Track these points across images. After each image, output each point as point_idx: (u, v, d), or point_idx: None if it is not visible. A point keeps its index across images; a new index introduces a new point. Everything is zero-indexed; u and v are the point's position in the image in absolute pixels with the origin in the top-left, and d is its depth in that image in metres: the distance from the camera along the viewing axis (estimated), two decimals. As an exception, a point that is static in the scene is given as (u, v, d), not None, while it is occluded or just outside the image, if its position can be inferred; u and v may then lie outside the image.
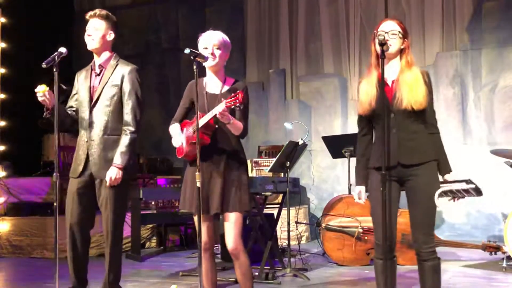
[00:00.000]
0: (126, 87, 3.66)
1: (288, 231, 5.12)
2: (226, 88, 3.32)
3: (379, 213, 2.86)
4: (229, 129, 3.22)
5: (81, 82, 3.76)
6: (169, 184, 7.42)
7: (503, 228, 4.79)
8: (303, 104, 8.08)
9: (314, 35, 8.14)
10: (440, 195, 2.93)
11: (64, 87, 3.70)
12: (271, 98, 8.26)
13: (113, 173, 3.54)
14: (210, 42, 3.27)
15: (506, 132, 6.90)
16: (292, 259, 5.04)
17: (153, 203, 6.91)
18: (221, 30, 3.37)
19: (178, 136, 3.33)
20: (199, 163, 3.06)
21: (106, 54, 3.72)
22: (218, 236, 5.07)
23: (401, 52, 3.05)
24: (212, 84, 3.36)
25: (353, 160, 6.13)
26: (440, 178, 3.01)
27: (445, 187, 2.93)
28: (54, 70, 3.38)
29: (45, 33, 8.05)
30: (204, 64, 3.25)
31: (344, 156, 6.21)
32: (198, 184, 3.07)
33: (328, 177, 7.80)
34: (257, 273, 4.64)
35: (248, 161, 5.61)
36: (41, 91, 3.47)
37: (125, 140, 3.61)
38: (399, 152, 2.97)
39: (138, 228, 6.18)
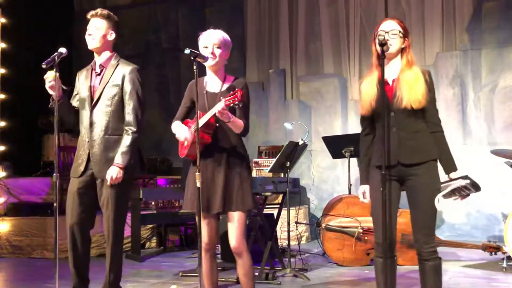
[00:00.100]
0: (127, 87, 3.66)
1: (288, 231, 5.12)
2: (225, 86, 3.32)
3: (379, 212, 2.87)
4: (230, 128, 3.22)
5: (82, 81, 3.76)
6: (169, 184, 7.42)
7: (503, 228, 4.79)
8: (303, 104, 8.08)
9: (314, 35, 8.14)
10: (446, 196, 2.92)
11: (65, 87, 3.69)
12: (271, 98, 8.26)
13: (113, 172, 3.54)
14: (210, 41, 3.27)
15: (506, 132, 6.90)
16: (292, 259, 5.04)
17: (153, 203, 6.91)
18: (221, 30, 3.37)
19: (181, 128, 3.30)
20: (199, 163, 3.06)
21: (106, 54, 3.72)
22: (218, 236, 5.06)
23: (402, 51, 3.05)
24: (212, 83, 3.36)
25: (353, 161, 6.19)
26: (446, 177, 3.00)
27: (444, 188, 2.92)
28: (54, 70, 3.39)
29: (45, 33, 8.05)
30: (204, 63, 3.25)
31: (344, 157, 6.21)
32: (198, 184, 3.07)
33: (328, 178, 7.80)
34: (257, 274, 4.63)
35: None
36: (51, 77, 3.47)
37: (126, 140, 3.61)
38: (399, 151, 2.97)
39: (138, 228, 6.18)
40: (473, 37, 7.21)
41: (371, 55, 3.10)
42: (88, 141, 3.65)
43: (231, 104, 3.04)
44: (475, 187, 2.92)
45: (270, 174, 5.99)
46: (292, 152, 4.89)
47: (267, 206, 5.50)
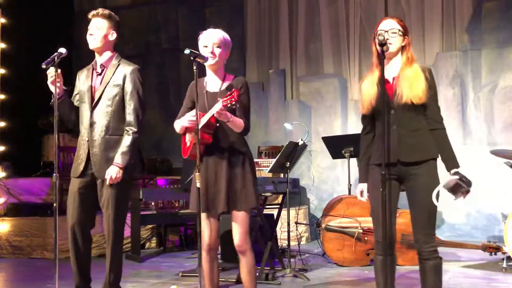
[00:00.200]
0: (128, 87, 3.66)
1: (288, 231, 5.12)
2: (225, 85, 3.32)
3: (379, 211, 2.87)
4: (229, 127, 3.22)
5: (82, 81, 3.76)
6: (169, 184, 7.42)
7: (503, 229, 4.79)
8: (303, 105, 8.08)
9: (314, 35, 8.14)
10: (453, 190, 2.90)
11: (64, 87, 3.69)
12: (271, 98, 8.26)
13: (113, 172, 3.53)
14: (210, 40, 3.27)
15: (506, 133, 6.90)
16: (292, 260, 5.04)
17: (153, 203, 6.90)
18: (220, 29, 3.37)
19: (182, 119, 3.30)
20: (199, 163, 3.06)
21: (107, 54, 3.72)
22: (219, 237, 5.06)
23: (402, 49, 3.06)
24: (212, 82, 3.36)
25: (353, 161, 6.19)
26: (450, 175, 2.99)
27: (440, 187, 2.91)
28: (55, 70, 3.39)
29: (45, 34, 8.04)
30: (204, 63, 3.25)
31: (344, 157, 6.21)
32: (198, 185, 3.08)
33: (328, 178, 7.80)
34: (257, 274, 4.63)
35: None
36: (54, 72, 3.46)
37: (127, 140, 3.61)
38: (399, 149, 2.97)
39: (138, 228, 6.18)
40: (473, 37, 7.21)
41: (371, 55, 3.10)
42: (88, 141, 3.65)
43: (229, 105, 3.04)
44: (466, 183, 2.90)
45: (270, 175, 5.99)
46: (292, 153, 4.89)
47: (267, 207, 5.51)
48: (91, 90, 3.70)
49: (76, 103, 3.80)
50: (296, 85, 8.23)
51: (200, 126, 3.13)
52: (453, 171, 2.94)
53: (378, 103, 2.99)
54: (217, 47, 3.27)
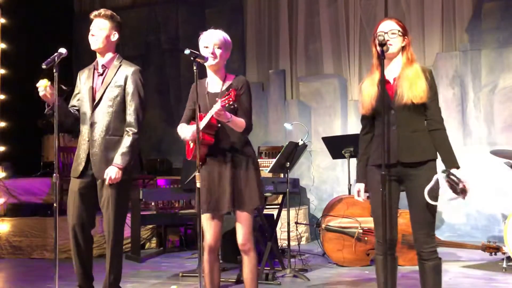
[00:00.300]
0: (130, 88, 3.66)
1: (288, 231, 5.12)
2: (226, 86, 3.32)
3: (380, 212, 2.87)
4: (231, 127, 3.22)
5: (83, 81, 3.76)
6: (168, 184, 7.42)
7: (503, 229, 4.79)
8: (303, 105, 8.08)
9: (314, 35, 8.14)
10: (451, 188, 2.89)
11: (64, 87, 3.69)
12: (271, 98, 8.26)
13: (112, 172, 3.53)
14: (211, 41, 3.27)
15: (506, 133, 6.90)
16: (292, 260, 5.04)
17: (153, 203, 6.90)
18: (220, 30, 3.37)
19: (185, 128, 3.30)
20: (199, 163, 3.07)
21: (109, 55, 3.72)
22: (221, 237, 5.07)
23: (402, 49, 3.06)
24: (213, 83, 3.36)
25: (353, 161, 6.18)
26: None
27: (431, 184, 2.90)
28: (54, 71, 3.38)
29: (45, 34, 8.04)
30: (204, 63, 3.25)
31: (344, 157, 6.21)
32: (198, 185, 3.08)
33: (328, 178, 7.80)
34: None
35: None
36: (43, 86, 3.46)
37: (127, 141, 3.61)
38: (399, 149, 2.97)
39: (138, 229, 6.18)
40: (473, 38, 7.21)
41: (371, 56, 3.10)
42: (88, 141, 3.65)
43: (227, 105, 3.04)
44: (455, 180, 2.89)
45: (270, 175, 5.99)
46: (292, 153, 4.89)
47: (267, 207, 5.51)
48: (92, 90, 3.70)
49: (77, 103, 3.80)
50: (296, 85, 8.23)
51: (201, 128, 3.13)
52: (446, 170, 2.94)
53: (378, 104, 2.99)
54: (218, 48, 3.27)
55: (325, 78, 7.98)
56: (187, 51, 3.05)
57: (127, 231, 6.11)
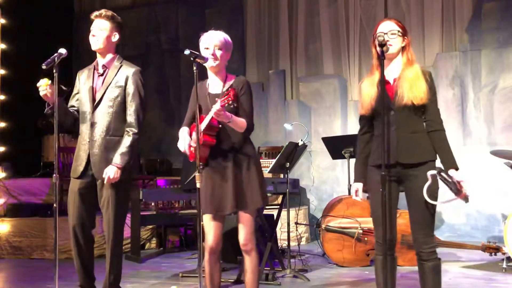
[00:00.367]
0: (130, 89, 3.66)
1: (288, 232, 5.12)
2: (226, 86, 3.32)
3: (380, 213, 2.87)
4: (232, 127, 3.21)
5: (83, 81, 3.76)
6: (168, 185, 7.42)
7: (503, 229, 4.79)
8: (302, 105, 8.08)
9: (314, 35, 8.14)
10: (448, 187, 2.88)
11: (64, 88, 3.68)
12: (271, 98, 8.26)
13: (111, 172, 3.53)
14: (212, 42, 3.27)
15: (506, 133, 6.90)
16: (292, 260, 5.04)
17: (152, 204, 6.90)
18: (220, 31, 3.37)
19: (183, 140, 3.28)
20: (199, 164, 3.06)
21: (110, 55, 3.72)
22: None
23: (402, 49, 3.06)
24: (214, 84, 3.36)
25: (353, 161, 6.14)
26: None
27: (428, 183, 2.89)
28: (54, 71, 3.39)
29: (45, 34, 8.04)
30: (205, 64, 3.25)
31: (344, 157, 6.21)
32: (198, 185, 3.07)
33: (328, 178, 7.80)
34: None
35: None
36: (43, 85, 3.46)
37: (126, 140, 3.61)
38: (398, 150, 2.97)
39: (137, 229, 6.18)
40: (472, 38, 7.21)
41: (371, 57, 3.10)
42: (88, 141, 3.65)
43: (226, 104, 3.04)
44: (446, 178, 2.88)
45: (270, 175, 6.00)
46: (292, 153, 4.89)
47: (267, 207, 5.50)
48: (92, 90, 3.70)
49: (75, 103, 3.80)
50: (296, 86, 8.23)
51: (202, 129, 3.13)
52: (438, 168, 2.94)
53: (378, 104, 2.99)
54: (219, 49, 3.27)
55: (325, 78, 7.98)
56: (187, 52, 3.04)
57: (127, 231, 6.11)
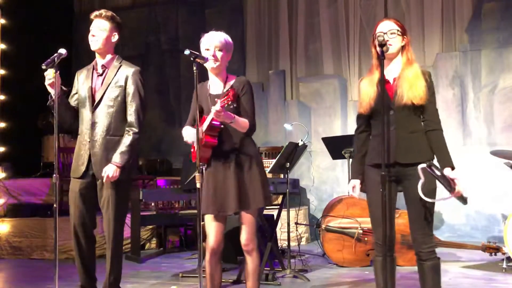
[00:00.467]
0: (130, 88, 3.66)
1: (288, 232, 5.11)
2: (227, 87, 3.32)
3: (379, 213, 2.86)
4: (233, 128, 3.21)
5: (82, 81, 3.76)
6: (168, 185, 7.42)
7: (503, 229, 4.79)
8: (302, 105, 8.08)
9: (314, 36, 8.14)
10: (444, 185, 2.88)
11: (64, 88, 3.69)
12: (271, 99, 8.26)
13: (110, 171, 3.52)
14: (212, 43, 3.27)
15: (505, 133, 6.90)
16: (292, 260, 5.04)
17: (153, 204, 6.90)
18: (220, 31, 3.36)
19: (188, 131, 3.29)
20: (199, 164, 3.06)
21: (109, 55, 3.72)
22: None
23: (402, 49, 3.07)
24: (215, 85, 3.36)
25: (353, 161, 6.18)
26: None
27: (422, 180, 2.88)
28: (54, 71, 3.39)
29: (45, 34, 8.05)
30: (205, 65, 3.25)
31: (344, 157, 6.21)
32: (198, 185, 3.07)
33: (328, 178, 7.80)
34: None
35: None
36: (51, 74, 3.45)
37: (126, 140, 3.61)
38: (397, 150, 2.97)
39: (138, 229, 6.18)
40: (472, 38, 7.22)
41: (371, 57, 3.10)
42: (89, 141, 3.65)
43: (226, 105, 3.04)
44: (436, 173, 2.87)
45: (270, 175, 5.99)
46: (292, 153, 4.89)
47: (267, 207, 5.50)
48: (92, 90, 3.69)
49: (74, 103, 3.80)
50: (296, 86, 8.23)
51: (204, 130, 3.13)
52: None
53: (377, 104, 2.99)
54: (219, 50, 3.27)
55: (325, 78, 7.98)
56: (187, 52, 3.04)
57: (127, 232, 6.11)
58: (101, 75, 3.71)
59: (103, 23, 3.66)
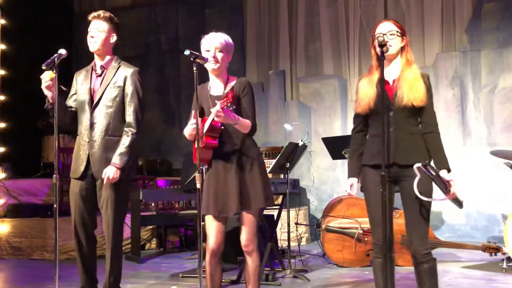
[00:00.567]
0: (129, 89, 3.67)
1: (288, 232, 5.11)
2: (228, 88, 3.31)
3: (378, 214, 2.86)
4: (235, 129, 3.21)
5: (81, 82, 3.76)
6: (168, 185, 7.42)
7: (503, 229, 4.79)
8: (302, 105, 8.08)
9: (313, 36, 8.14)
10: (437, 184, 2.88)
11: (64, 88, 3.69)
12: (271, 99, 8.26)
13: (110, 172, 3.53)
14: (212, 44, 3.26)
15: (505, 133, 6.90)
16: (292, 261, 5.04)
17: (152, 204, 6.90)
18: (220, 31, 3.36)
19: (186, 129, 3.28)
20: (199, 164, 3.06)
21: (108, 56, 3.72)
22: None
23: (401, 50, 3.07)
24: (216, 86, 3.36)
25: (353, 161, 6.18)
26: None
27: (417, 178, 2.89)
28: (54, 71, 3.39)
29: (45, 35, 8.05)
30: (206, 66, 3.25)
31: (344, 157, 6.19)
32: (198, 186, 3.07)
33: (328, 178, 7.80)
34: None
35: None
36: (48, 77, 3.45)
37: (125, 141, 3.61)
38: (396, 151, 2.97)
39: (138, 229, 6.18)
40: (472, 38, 7.22)
41: (371, 58, 3.10)
42: (88, 142, 3.65)
43: (225, 106, 3.04)
44: (432, 173, 2.87)
45: (270, 175, 6.00)
46: (292, 153, 4.89)
47: (267, 208, 5.50)
48: (91, 91, 3.70)
49: (73, 103, 3.80)
50: (296, 86, 8.23)
51: (204, 131, 3.13)
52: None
53: (377, 104, 2.99)
54: (219, 51, 3.26)
55: (325, 78, 7.98)
56: (186, 52, 3.04)
57: (127, 232, 6.11)
58: (100, 75, 3.72)
59: (101, 24, 3.66)
